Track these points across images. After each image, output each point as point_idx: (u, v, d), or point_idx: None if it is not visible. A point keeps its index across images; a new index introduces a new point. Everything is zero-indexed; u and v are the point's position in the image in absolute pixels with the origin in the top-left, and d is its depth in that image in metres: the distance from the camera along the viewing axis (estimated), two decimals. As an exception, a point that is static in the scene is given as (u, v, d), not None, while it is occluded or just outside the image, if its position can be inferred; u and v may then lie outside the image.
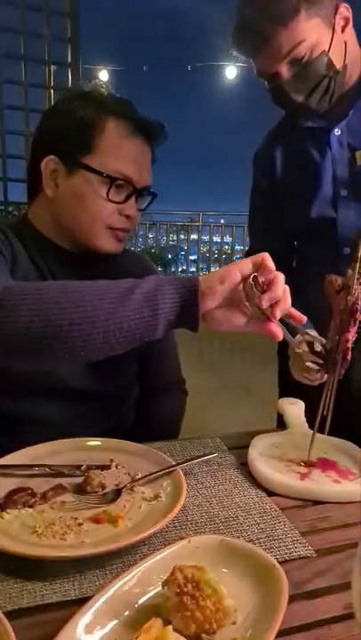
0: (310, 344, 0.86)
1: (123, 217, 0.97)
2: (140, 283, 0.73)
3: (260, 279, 0.73)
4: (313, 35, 1.01)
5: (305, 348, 0.86)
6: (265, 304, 0.73)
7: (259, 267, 0.73)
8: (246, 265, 0.73)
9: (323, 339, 0.86)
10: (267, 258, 0.73)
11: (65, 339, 0.69)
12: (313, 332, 1.02)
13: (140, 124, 0.96)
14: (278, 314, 0.74)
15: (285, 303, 0.74)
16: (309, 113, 1.10)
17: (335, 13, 1.03)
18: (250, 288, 0.72)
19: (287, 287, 0.74)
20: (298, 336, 0.87)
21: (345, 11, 1.04)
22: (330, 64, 1.03)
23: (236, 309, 0.75)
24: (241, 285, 0.73)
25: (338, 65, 1.04)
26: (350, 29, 1.07)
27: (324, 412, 0.85)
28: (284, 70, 1.03)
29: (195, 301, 0.72)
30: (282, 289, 0.73)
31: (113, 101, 0.98)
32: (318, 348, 0.85)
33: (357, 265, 0.82)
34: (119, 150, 0.94)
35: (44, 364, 0.81)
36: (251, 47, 1.05)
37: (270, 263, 0.73)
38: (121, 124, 0.94)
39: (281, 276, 0.73)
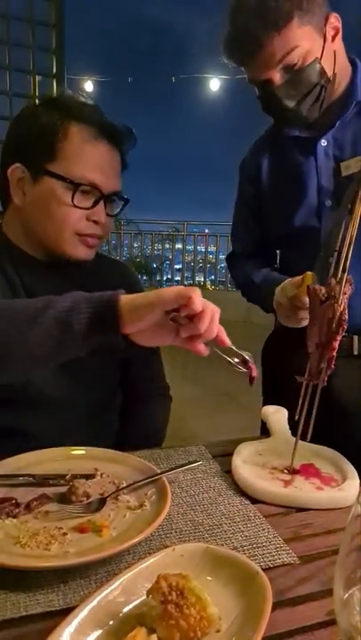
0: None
1: (91, 222, 0.97)
2: (54, 302, 0.71)
3: (183, 313, 0.70)
4: (305, 42, 1.02)
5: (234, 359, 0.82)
6: (183, 335, 0.71)
7: (184, 304, 0.69)
8: (170, 302, 0.69)
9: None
10: (194, 297, 0.68)
11: None
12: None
13: (104, 128, 0.95)
14: (198, 343, 0.72)
15: (209, 335, 0.71)
16: (300, 120, 1.12)
17: (326, 23, 1.05)
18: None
19: (215, 318, 0.71)
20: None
21: (335, 21, 1.07)
22: (322, 72, 1.05)
23: (163, 328, 0.72)
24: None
25: (328, 73, 1.06)
26: (339, 40, 1.09)
27: (298, 418, 0.86)
28: (277, 77, 1.04)
29: (114, 320, 0.69)
30: (205, 326, 0.69)
31: (77, 106, 0.97)
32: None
33: (345, 275, 0.83)
34: (83, 155, 0.93)
35: None
36: (244, 53, 1.06)
37: (196, 303, 0.68)
38: (84, 128, 0.94)
39: (207, 314, 0.69)
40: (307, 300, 0.92)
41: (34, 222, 0.97)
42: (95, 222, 0.97)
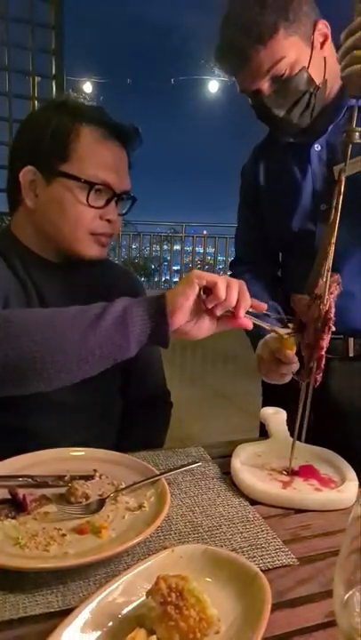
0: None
1: (104, 222, 0.98)
2: (110, 307, 0.76)
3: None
4: (292, 52, 1.03)
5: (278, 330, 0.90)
6: (209, 305, 0.79)
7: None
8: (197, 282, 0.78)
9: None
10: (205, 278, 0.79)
11: (40, 370, 0.73)
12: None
13: (114, 129, 0.98)
14: (242, 311, 0.79)
15: (229, 302, 0.78)
16: (291, 128, 1.12)
17: (313, 30, 1.05)
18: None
19: (232, 286, 0.78)
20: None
21: (323, 27, 1.07)
22: (310, 80, 1.05)
23: (204, 315, 0.80)
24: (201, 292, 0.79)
25: (318, 80, 1.07)
26: (329, 45, 1.09)
27: (295, 419, 0.87)
28: (266, 87, 1.05)
29: (164, 320, 0.76)
30: (223, 293, 0.77)
31: (86, 108, 0.99)
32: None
33: (329, 274, 0.84)
34: (95, 155, 0.95)
35: (23, 391, 0.80)
36: (232, 65, 1.07)
37: (207, 282, 0.78)
38: (95, 129, 0.95)
39: (220, 282, 0.77)
40: (290, 354, 0.92)
41: (47, 223, 0.97)
42: (108, 221, 0.99)
